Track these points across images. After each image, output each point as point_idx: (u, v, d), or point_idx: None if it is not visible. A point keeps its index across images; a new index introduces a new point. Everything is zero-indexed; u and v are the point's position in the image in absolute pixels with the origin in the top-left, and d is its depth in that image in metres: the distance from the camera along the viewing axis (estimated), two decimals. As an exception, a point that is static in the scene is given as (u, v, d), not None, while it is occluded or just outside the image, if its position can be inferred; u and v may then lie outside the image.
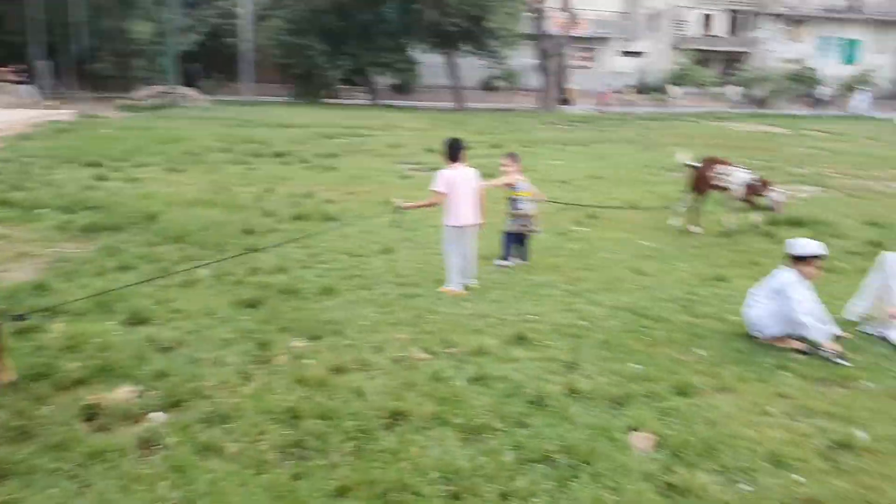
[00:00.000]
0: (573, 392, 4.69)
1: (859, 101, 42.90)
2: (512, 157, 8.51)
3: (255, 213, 10.06)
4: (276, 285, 6.78)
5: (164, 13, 32.55)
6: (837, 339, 5.78)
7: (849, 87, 46.65)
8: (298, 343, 5.45)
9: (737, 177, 10.26)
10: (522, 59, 41.93)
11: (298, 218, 9.95)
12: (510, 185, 8.20)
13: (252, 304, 6.33)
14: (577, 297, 6.99)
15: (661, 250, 9.11)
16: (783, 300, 5.73)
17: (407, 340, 5.63)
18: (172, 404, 4.37)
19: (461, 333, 5.83)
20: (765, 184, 10.32)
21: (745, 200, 10.33)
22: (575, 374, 5.07)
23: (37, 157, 14.55)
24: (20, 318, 5.20)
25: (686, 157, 10.85)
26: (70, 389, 4.55)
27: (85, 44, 31.89)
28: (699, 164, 10.64)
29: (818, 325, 5.66)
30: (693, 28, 55.61)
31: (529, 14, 39.25)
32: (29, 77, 28.88)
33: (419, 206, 7.28)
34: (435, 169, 15.29)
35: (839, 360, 5.47)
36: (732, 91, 47.23)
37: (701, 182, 10.52)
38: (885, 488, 3.82)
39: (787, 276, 5.86)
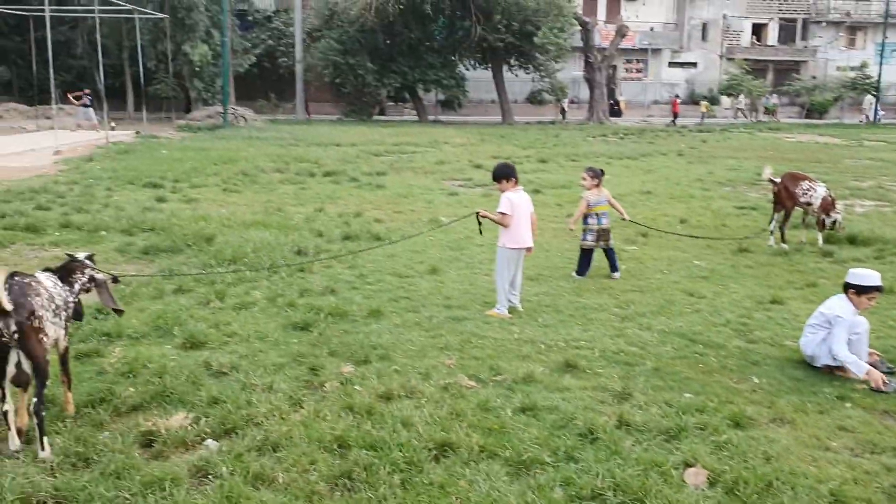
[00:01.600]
0: (624, 424, 4.62)
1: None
2: (591, 171, 8.65)
3: (306, 233, 10.20)
4: (325, 308, 6.84)
5: (220, 36, 33.34)
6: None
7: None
8: (347, 368, 5.49)
9: (818, 192, 10.10)
10: (571, 71, 41.83)
11: (347, 238, 10.06)
12: (588, 203, 8.49)
13: (303, 327, 6.40)
14: (628, 321, 6.90)
15: (715, 270, 8.94)
16: (833, 329, 5.58)
17: (454, 366, 5.63)
18: (226, 431, 4.43)
19: (509, 359, 5.81)
20: (833, 200, 10.14)
21: (817, 217, 10.21)
22: (626, 404, 5.00)
23: (99, 178, 15.02)
24: (115, 280, 5.49)
25: (770, 172, 10.61)
26: (127, 415, 4.66)
27: (145, 66, 32.86)
28: (778, 180, 10.40)
29: (858, 362, 5.47)
30: (745, 37, 54.73)
31: (578, 27, 39.15)
32: (93, 100, 29.86)
33: (492, 219, 7.15)
34: (481, 185, 15.49)
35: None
36: (774, 101, 46.36)
37: (787, 198, 10.28)
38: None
39: (838, 306, 5.71)
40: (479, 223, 7.47)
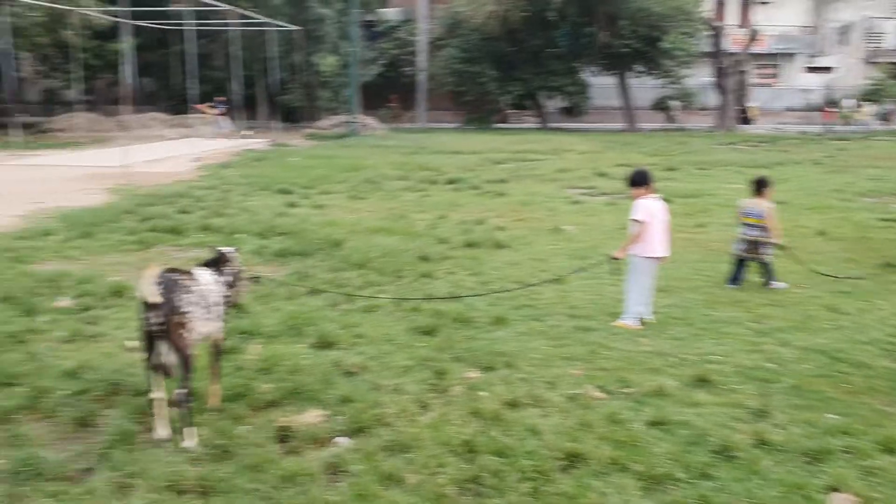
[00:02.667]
0: (763, 443, 4.41)
1: None
2: (760, 181, 8.64)
3: (430, 240, 10.34)
4: (449, 313, 6.91)
5: (348, 46, 34.42)
6: None
7: None
8: (472, 374, 5.52)
9: None
10: (699, 77, 40.51)
11: (470, 245, 10.11)
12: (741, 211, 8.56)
13: (427, 332, 6.49)
14: (765, 336, 6.60)
15: (859, 285, 8.41)
16: None
17: (581, 377, 5.55)
18: (357, 430, 4.55)
19: (638, 372, 5.67)
20: None
21: None
22: (764, 422, 4.77)
23: (235, 184, 15.80)
24: (255, 279, 5.70)
25: None
26: (264, 410, 4.87)
27: (277, 77, 34.36)
28: None
29: None
30: (889, 40, 51.29)
31: (707, 32, 37.89)
32: (229, 109, 31.52)
33: (629, 245, 6.90)
34: (605, 194, 15.23)
35: None
36: None
37: None
38: None
39: None
40: (613, 266, 7.15)
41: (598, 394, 5.23)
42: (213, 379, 4.90)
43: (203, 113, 29.83)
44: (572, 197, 14.96)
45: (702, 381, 5.48)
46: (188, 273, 4.62)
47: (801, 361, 5.95)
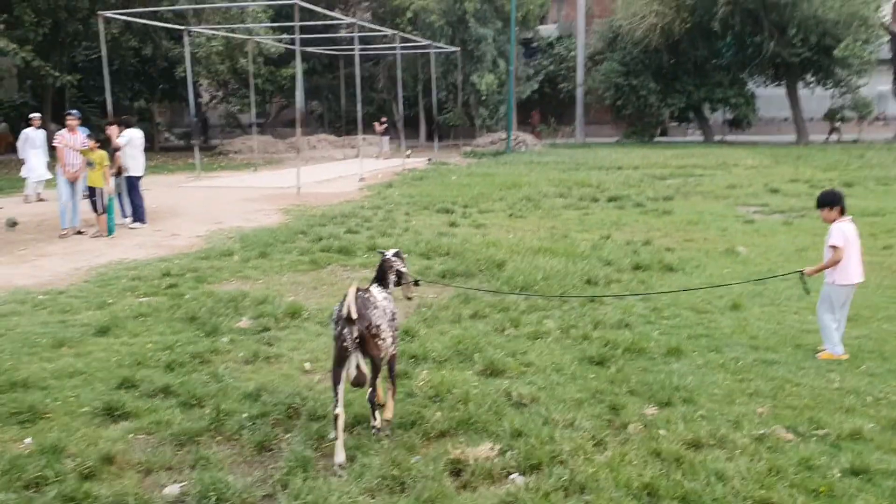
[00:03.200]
0: None
1: None
2: None
3: (595, 261, 10.09)
4: (620, 342, 6.67)
5: (506, 65, 34.68)
6: None
7: None
8: (650, 410, 5.27)
9: None
10: (876, 86, 37.51)
11: (638, 267, 9.78)
12: None
13: (599, 362, 6.29)
14: (977, 375, 5.90)
15: None
16: None
17: (767, 415, 5.17)
18: (531, 467, 4.45)
19: (830, 412, 5.21)
20: None
21: None
22: None
23: (398, 203, 16.24)
24: (416, 283, 5.95)
25: None
26: (436, 440, 4.86)
27: (436, 97, 35.16)
28: None
29: None
30: None
31: (886, 38, 35.00)
32: (391, 129, 32.64)
33: (823, 268, 6.51)
34: (780, 212, 14.32)
35: None
36: None
37: None
38: None
39: None
40: (804, 282, 6.63)
41: (787, 435, 4.84)
42: (390, 392, 5.18)
43: (380, 134, 31.03)
44: (744, 215, 14.19)
45: (906, 426, 4.96)
46: (368, 290, 5.01)
47: None
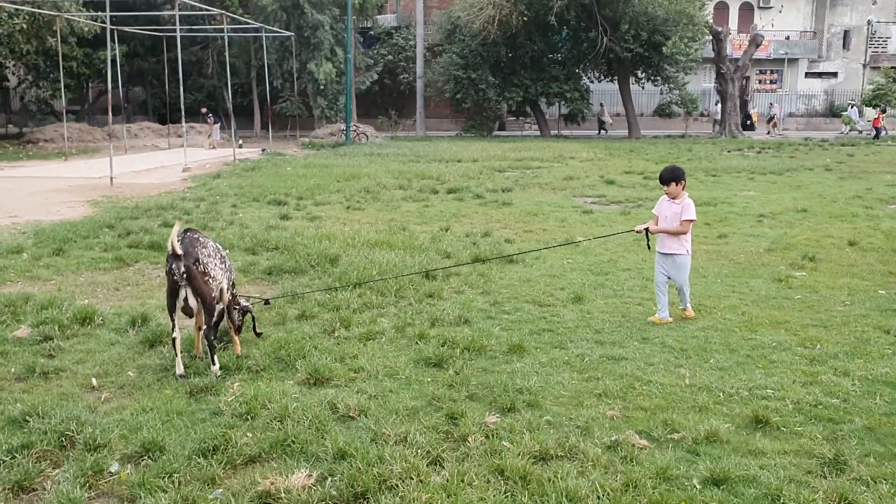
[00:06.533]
0: (851, 507, 3.61)
1: None
2: None
3: (434, 254, 9.52)
4: (459, 341, 6.08)
5: (344, 53, 33.66)
6: None
7: None
8: (491, 418, 4.69)
9: None
10: (701, 83, 39.90)
11: (478, 260, 9.29)
12: None
13: (436, 363, 5.67)
14: (819, 364, 5.78)
15: (906, 302, 7.61)
16: None
17: (619, 419, 4.73)
18: (354, 496, 3.73)
19: (683, 411, 4.86)
20: None
21: None
22: (843, 477, 3.97)
23: (225, 195, 14.99)
24: (266, 302, 6.72)
25: None
26: (243, 468, 4.06)
27: (272, 85, 33.55)
28: None
29: None
30: (893, 44, 50.70)
31: (709, 37, 37.24)
32: (221, 117, 30.69)
33: (668, 231, 6.85)
34: (616, 202, 14.46)
35: None
36: None
37: None
38: None
39: None
40: (648, 239, 7.01)
41: (641, 441, 4.41)
42: (232, 331, 5.85)
43: (210, 123, 29.05)
44: (582, 206, 14.16)
45: (759, 423, 4.68)
46: (201, 233, 5.58)
47: (868, 396, 5.14)
